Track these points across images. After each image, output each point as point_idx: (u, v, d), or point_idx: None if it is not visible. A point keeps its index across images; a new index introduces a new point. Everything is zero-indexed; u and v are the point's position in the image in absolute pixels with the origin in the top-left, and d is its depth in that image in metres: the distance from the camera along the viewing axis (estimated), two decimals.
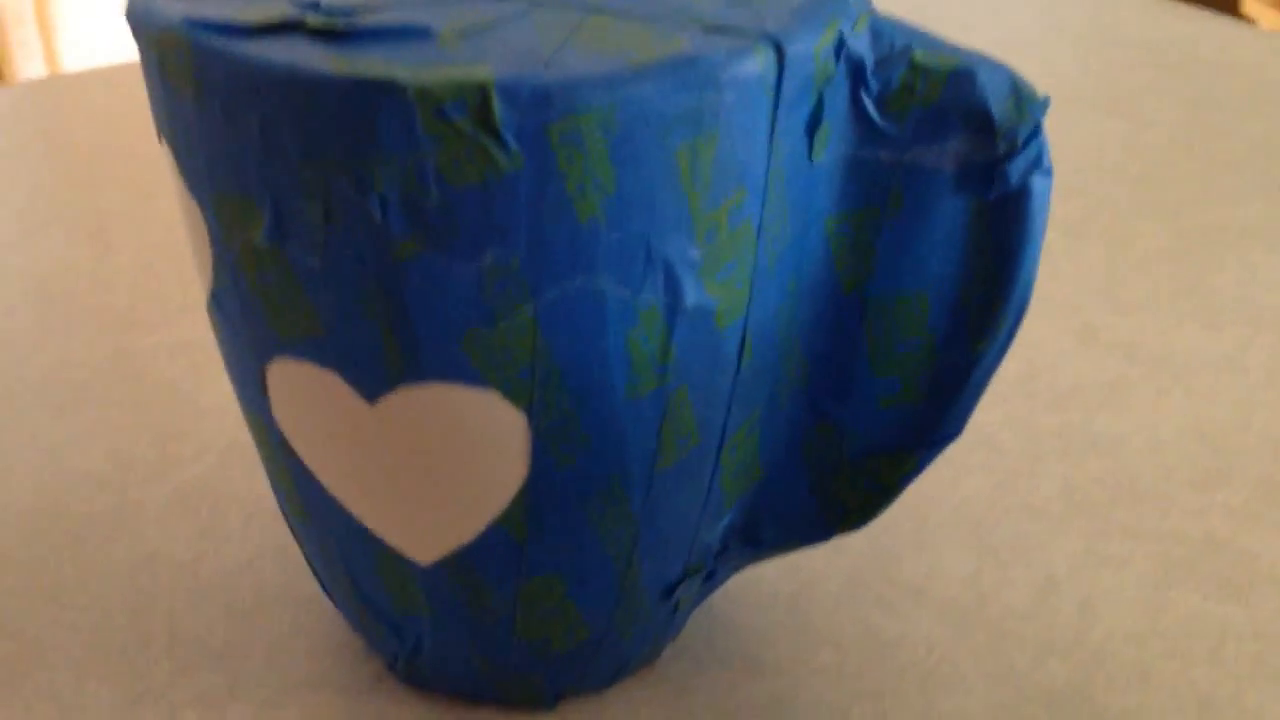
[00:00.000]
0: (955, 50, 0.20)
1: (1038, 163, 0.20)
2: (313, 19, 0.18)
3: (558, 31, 0.18)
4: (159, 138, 0.20)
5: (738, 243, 0.19)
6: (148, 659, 0.25)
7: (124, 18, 0.19)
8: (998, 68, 0.20)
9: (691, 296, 0.19)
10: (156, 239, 0.41)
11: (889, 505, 0.23)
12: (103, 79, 0.53)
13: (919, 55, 0.20)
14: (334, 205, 0.17)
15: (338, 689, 0.24)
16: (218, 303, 0.20)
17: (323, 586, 0.24)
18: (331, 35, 0.18)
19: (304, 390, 0.20)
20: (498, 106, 0.16)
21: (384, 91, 0.16)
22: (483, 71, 0.16)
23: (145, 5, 0.18)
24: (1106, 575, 0.27)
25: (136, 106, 0.50)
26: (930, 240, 0.21)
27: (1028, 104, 0.20)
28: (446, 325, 0.18)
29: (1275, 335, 0.36)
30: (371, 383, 0.19)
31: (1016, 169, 0.20)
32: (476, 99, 0.16)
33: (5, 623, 0.26)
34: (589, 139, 0.17)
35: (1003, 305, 0.21)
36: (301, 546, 0.24)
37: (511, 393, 0.19)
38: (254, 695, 0.24)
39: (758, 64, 0.18)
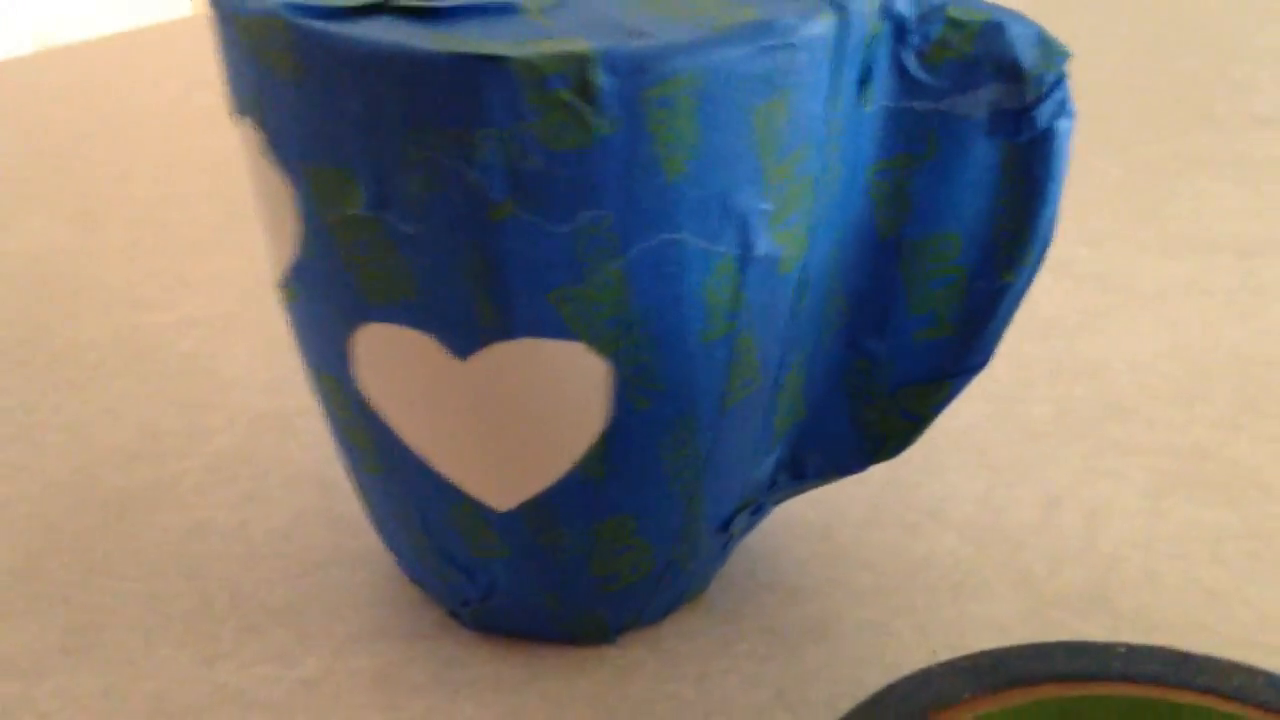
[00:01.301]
0: (985, 5, 0.21)
1: (1063, 107, 0.22)
2: (401, 0, 0.18)
3: (635, 2, 0.19)
4: (234, 115, 0.21)
5: (800, 194, 0.20)
6: (213, 621, 0.26)
7: (213, 4, 0.19)
8: (1025, 21, 0.21)
9: (761, 246, 0.20)
10: (139, 217, 0.41)
11: (922, 432, 0.25)
12: (69, 57, 0.53)
13: (954, 10, 0.21)
14: (436, 174, 0.18)
15: (403, 637, 0.25)
16: (299, 274, 0.21)
17: (387, 541, 0.25)
18: (420, 13, 0.18)
19: (394, 352, 0.21)
20: (597, 76, 0.17)
21: (490, 66, 0.17)
22: (582, 44, 0.17)
23: None
24: (1106, 488, 0.29)
25: (104, 86, 0.50)
26: (963, 182, 0.22)
27: (1054, 54, 0.21)
28: (538, 282, 0.19)
29: (1230, 258, 0.38)
30: (463, 341, 0.20)
31: (1044, 113, 0.21)
32: (577, 70, 0.17)
33: (66, 594, 0.26)
34: (678, 102, 0.18)
35: (1030, 238, 0.22)
36: (367, 503, 0.25)
37: (597, 343, 0.20)
38: (323, 647, 0.25)
39: (824, 25, 0.19)
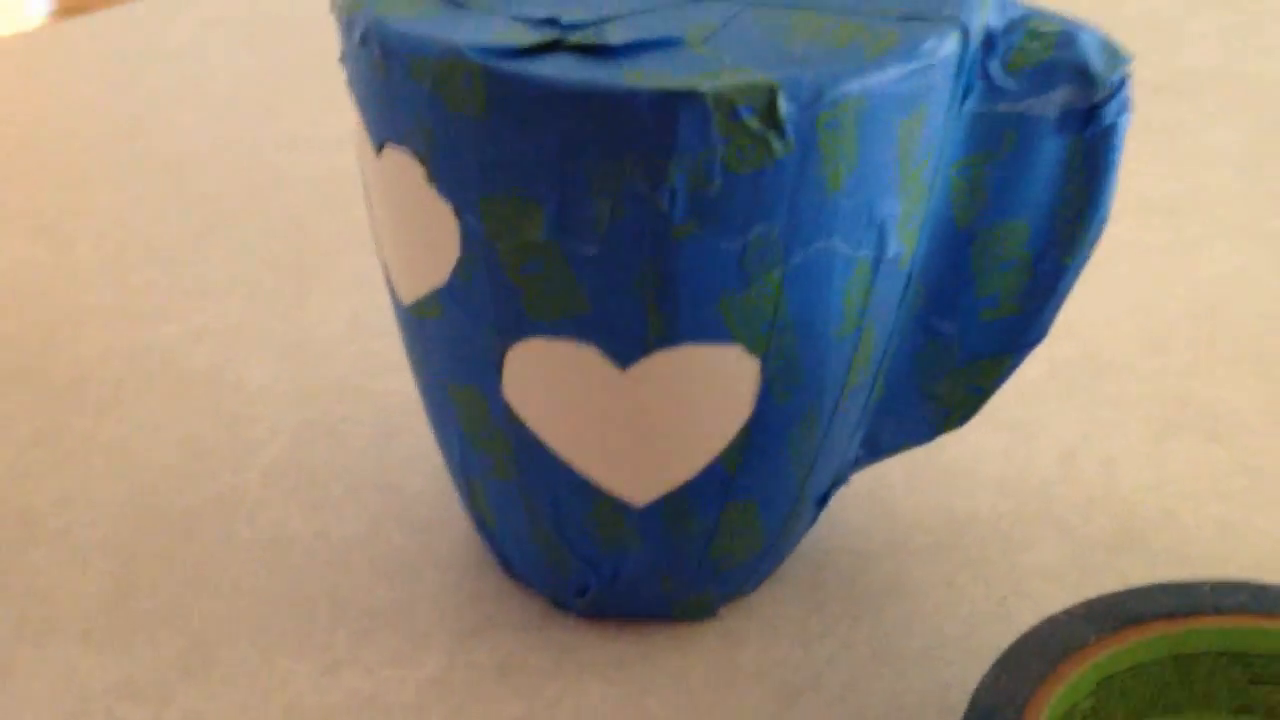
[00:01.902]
0: (1057, 16, 0.23)
1: (1125, 105, 0.24)
2: (574, 37, 0.20)
3: (779, 29, 0.20)
4: (372, 146, 0.22)
5: (921, 197, 0.22)
6: (322, 630, 0.27)
7: (373, 46, 0.20)
8: (1092, 30, 0.24)
9: (892, 247, 0.22)
10: (102, 228, 0.41)
11: (985, 403, 0.27)
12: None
13: (1034, 22, 0.23)
14: (622, 200, 0.20)
15: (515, 628, 0.27)
16: (449, 295, 0.22)
17: (495, 539, 0.26)
18: (595, 50, 0.20)
19: (552, 364, 0.22)
20: (781, 103, 0.19)
21: (685, 99, 0.19)
22: (764, 75, 0.19)
23: (402, 31, 0.20)
24: (1114, 437, 0.32)
25: (52, 91, 0.49)
26: (1032, 175, 0.24)
27: (1118, 58, 0.24)
28: (707, 293, 0.21)
29: (1161, 217, 0.42)
30: (627, 351, 0.21)
31: (1110, 111, 0.24)
32: (764, 99, 0.19)
33: (166, 616, 0.27)
34: (844, 123, 0.20)
35: (1091, 222, 0.25)
36: (483, 505, 0.26)
37: (751, 345, 0.22)
38: (439, 645, 0.26)
39: (954, 44, 0.21)
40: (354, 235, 0.41)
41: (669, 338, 0.21)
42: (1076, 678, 0.23)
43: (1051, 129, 0.24)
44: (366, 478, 0.31)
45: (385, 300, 0.38)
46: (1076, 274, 0.26)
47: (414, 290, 0.23)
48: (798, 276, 0.21)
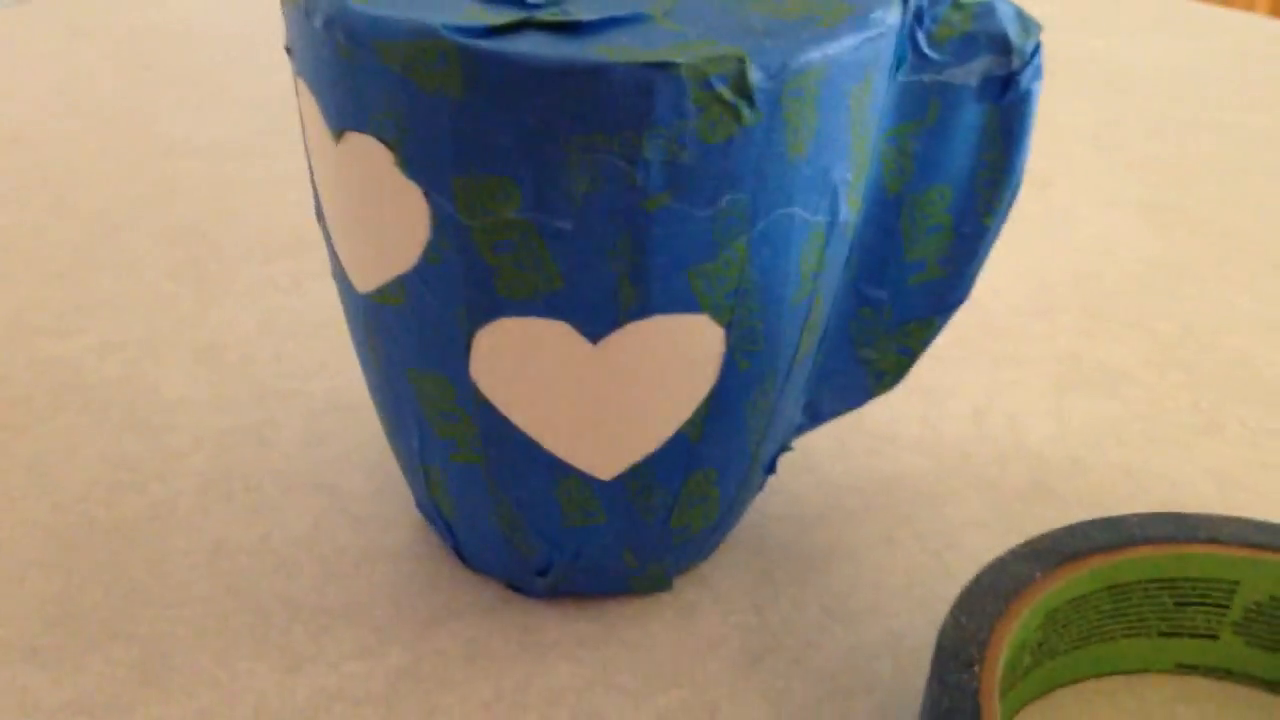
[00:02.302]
0: None
1: (1038, 72, 0.25)
2: (543, 16, 0.20)
3: (734, 3, 0.21)
4: (334, 136, 0.22)
5: (866, 164, 0.23)
6: (279, 631, 0.26)
7: (337, 31, 0.20)
8: (1007, 2, 0.25)
9: (843, 213, 0.23)
10: (8, 242, 0.39)
11: (914, 364, 0.29)
12: None
13: None
14: (598, 174, 0.20)
15: (475, 614, 0.27)
16: (416, 281, 0.22)
17: (450, 526, 0.26)
18: (564, 28, 0.20)
19: (523, 343, 0.22)
20: (752, 74, 0.20)
21: (661, 71, 0.19)
22: (735, 47, 0.20)
23: (369, 15, 0.20)
24: (1016, 395, 0.34)
25: None
26: (954, 142, 0.26)
27: (1031, 27, 0.25)
28: (677, 263, 0.21)
29: (1032, 189, 0.44)
30: (598, 325, 0.22)
31: (1026, 78, 0.25)
32: (735, 70, 0.20)
33: (115, 630, 0.26)
34: (807, 91, 0.20)
35: (1008, 184, 0.26)
36: (440, 492, 0.26)
37: (717, 313, 0.22)
38: (401, 636, 0.26)
39: (897, 13, 0.22)
40: (249, 240, 0.40)
41: (640, 310, 0.22)
42: (1027, 614, 0.24)
43: (972, 97, 0.25)
44: (301, 479, 0.30)
45: (293, 302, 0.37)
46: (996, 235, 0.27)
47: (373, 278, 0.23)
48: (761, 243, 0.22)
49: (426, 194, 0.21)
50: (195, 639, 0.26)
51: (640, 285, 0.21)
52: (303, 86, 0.22)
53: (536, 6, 0.21)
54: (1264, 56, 0.62)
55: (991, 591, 0.24)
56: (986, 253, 0.27)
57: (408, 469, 0.27)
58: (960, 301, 0.28)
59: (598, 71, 0.19)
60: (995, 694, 0.22)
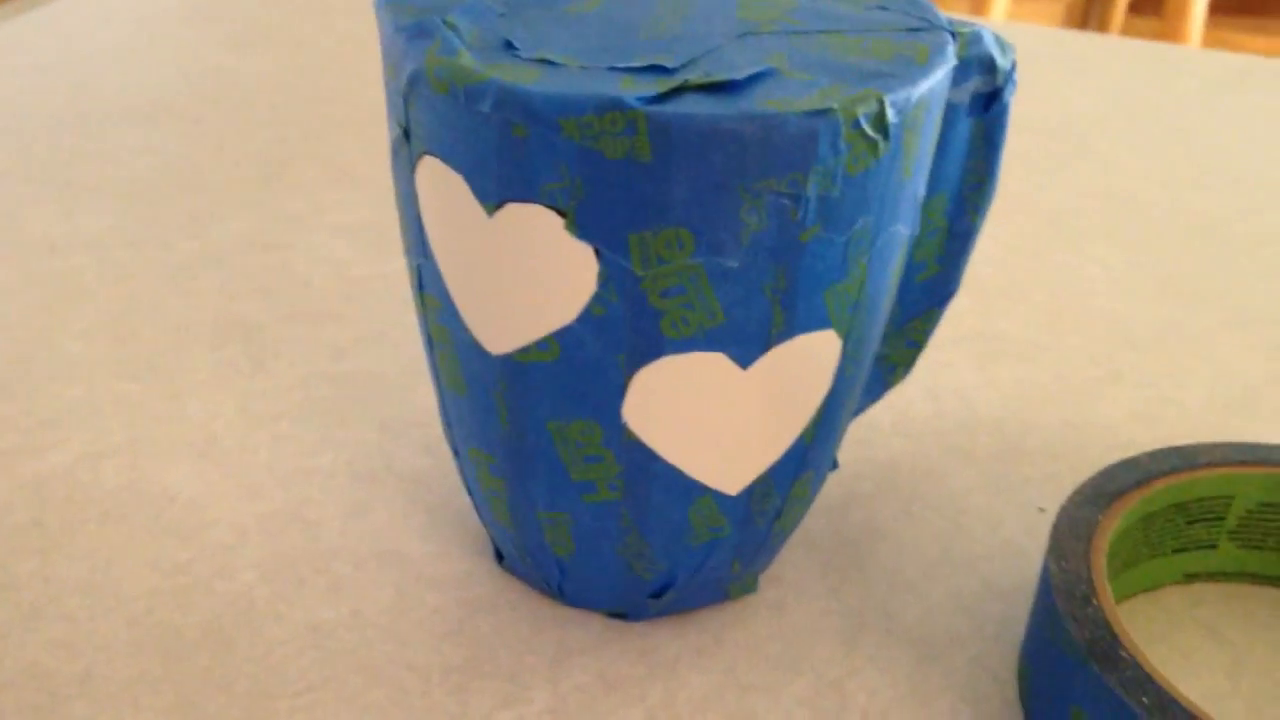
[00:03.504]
0: (966, 20, 0.28)
1: (1014, 86, 0.29)
2: (695, 79, 0.22)
3: (831, 50, 0.24)
4: (489, 209, 0.23)
5: (925, 180, 0.26)
6: (420, 696, 0.27)
7: (511, 111, 0.21)
8: (987, 30, 0.29)
9: (918, 226, 0.26)
10: None
11: (921, 354, 0.32)
12: None
13: (954, 26, 0.28)
14: (765, 214, 0.22)
15: (594, 645, 0.28)
16: (574, 334, 0.24)
17: (558, 568, 0.28)
18: (718, 88, 0.22)
19: (677, 379, 0.24)
20: (888, 112, 0.22)
21: (823, 116, 0.22)
22: (873, 89, 0.22)
23: (546, 94, 0.21)
24: (953, 374, 0.38)
25: None
26: (950, 153, 0.29)
27: (1008, 49, 0.29)
28: (818, 285, 0.24)
29: None
30: (752, 350, 0.24)
31: (1007, 92, 0.29)
32: (876, 109, 0.22)
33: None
34: (919, 121, 0.23)
35: (989, 185, 0.30)
36: (562, 536, 0.27)
37: (840, 327, 0.25)
38: (534, 680, 0.27)
39: (957, 50, 0.25)
40: (199, 323, 0.39)
41: (786, 332, 0.24)
42: (1096, 556, 0.28)
43: (964, 113, 0.29)
44: (362, 552, 0.31)
45: (273, 382, 0.37)
46: (979, 231, 0.31)
47: (518, 338, 0.24)
48: (876, 259, 0.24)
49: (599, 252, 0.23)
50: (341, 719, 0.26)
51: (789, 310, 0.24)
52: (435, 166, 0.24)
53: (674, 71, 0.23)
54: None
55: (1070, 535, 0.27)
56: (973, 248, 0.31)
57: (518, 521, 0.28)
58: (954, 293, 0.31)
59: (771, 122, 0.22)
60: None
